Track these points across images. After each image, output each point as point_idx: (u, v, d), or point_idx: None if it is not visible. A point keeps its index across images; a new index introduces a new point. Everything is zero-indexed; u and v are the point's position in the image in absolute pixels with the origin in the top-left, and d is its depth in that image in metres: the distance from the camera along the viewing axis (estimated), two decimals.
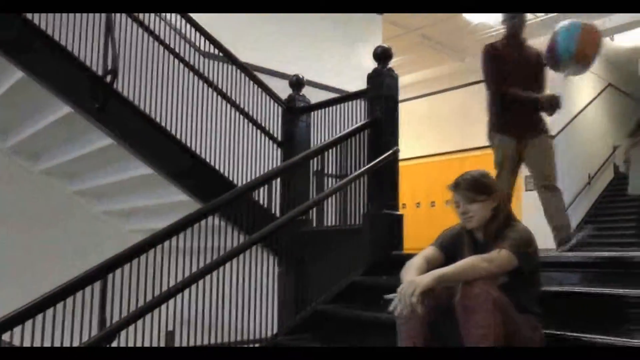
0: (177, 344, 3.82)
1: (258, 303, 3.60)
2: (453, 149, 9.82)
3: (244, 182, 4.46)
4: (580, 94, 9.36)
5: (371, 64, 4.29)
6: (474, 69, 9.81)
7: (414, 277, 2.26)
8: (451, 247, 2.60)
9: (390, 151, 4.01)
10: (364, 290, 3.66)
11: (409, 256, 2.59)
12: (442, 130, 10.24)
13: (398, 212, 4.02)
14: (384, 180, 3.99)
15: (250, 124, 4.80)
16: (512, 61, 3.99)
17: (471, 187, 2.53)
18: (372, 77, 4.18)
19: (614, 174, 9.84)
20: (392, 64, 4.22)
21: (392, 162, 4.03)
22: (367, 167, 3.96)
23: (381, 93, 4.09)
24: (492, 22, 8.63)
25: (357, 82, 4.95)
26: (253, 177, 4.45)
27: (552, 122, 8.75)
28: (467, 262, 2.30)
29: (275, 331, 3.70)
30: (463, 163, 8.37)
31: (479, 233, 2.55)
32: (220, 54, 4.74)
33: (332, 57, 6.87)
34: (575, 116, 8.95)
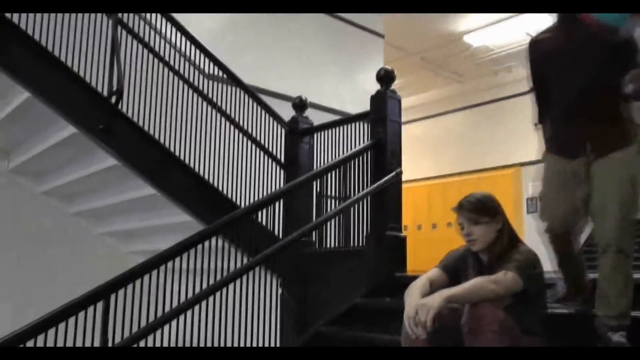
0: None
1: (260, 325, 3.57)
2: (454, 172, 9.85)
3: (247, 203, 4.45)
4: None
5: (372, 87, 4.32)
6: (473, 92, 9.97)
7: (423, 300, 2.25)
8: (456, 269, 2.60)
9: (394, 173, 4.03)
10: (367, 312, 3.65)
11: (413, 278, 2.58)
12: (443, 152, 10.27)
13: (401, 234, 4.02)
14: (387, 201, 4.00)
15: (254, 146, 4.81)
16: (557, 51, 2.79)
17: (475, 208, 2.54)
18: (375, 99, 4.20)
19: None
20: (392, 86, 4.25)
21: (396, 184, 4.04)
22: (370, 188, 3.97)
23: (384, 115, 4.11)
24: (491, 45, 8.73)
25: (358, 105, 4.98)
26: (256, 199, 4.46)
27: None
28: (475, 283, 2.31)
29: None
30: (464, 185, 8.38)
31: (483, 255, 2.55)
32: (224, 76, 4.77)
33: (334, 79, 6.92)
34: None
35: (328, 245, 4.21)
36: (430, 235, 9.37)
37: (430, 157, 10.32)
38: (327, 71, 6.90)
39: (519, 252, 2.47)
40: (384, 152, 4.06)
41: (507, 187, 8.96)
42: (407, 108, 9.09)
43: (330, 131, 4.67)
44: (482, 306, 2.22)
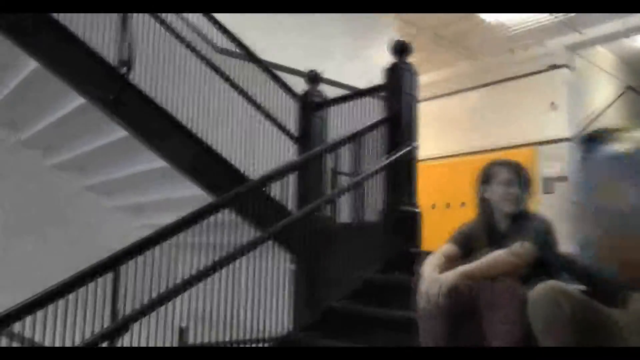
0: (190, 341, 3.76)
1: (271, 299, 3.54)
2: (468, 150, 9.72)
3: (259, 177, 4.39)
4: (597, 96, 9.25)
5: (383, 62, 4.21)
6: (488, 69, 9.80)
7: (438, 275, 2.20)
8: (468, 242, 2.55)
9: (409, 147, 3.95)
10: (380, 287, 3.59)
11: (427, 253, 2.54)
12: (457, 131, 10.13)
13: (416, 209, 3.94)
14: (402, 176, 3.92)
15: (266, 119, 4.73)
16: None
17: (528, 175, 2.57)
18: (390, 72, 4.10)
19: None
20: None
21: (411, 158, 3.96)
22: (385, 162, 3.89)
23: (399, 87, 4.01)
24: (507, 22, 8.56)
25: (368, 80, 4.87)
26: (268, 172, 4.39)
27: (567, 125, 8.82)
28: (493, 258, 2.25)
29: (288, 328, 3.63)
30: (479, 164, 8.25)
31: (500, 224, 2.49)
32: (236, 49, 4.68)
33: (344, 54, 6.80)
34: (593, 120, 8.83)
35: (341, 220, 4.15)
36: (444, 214, 9.28)
37: (445, 136, 10.18)
38: (337, 45, 6.78)
39: (535, 220, 2.45)
40: (399, 125, 3.98)
41: None
42: (420, 85, 8.95)
43: (343, 105, 4.58)
44: (501, 281, 2.17)
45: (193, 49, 4.44)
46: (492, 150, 9.35)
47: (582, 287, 2.25)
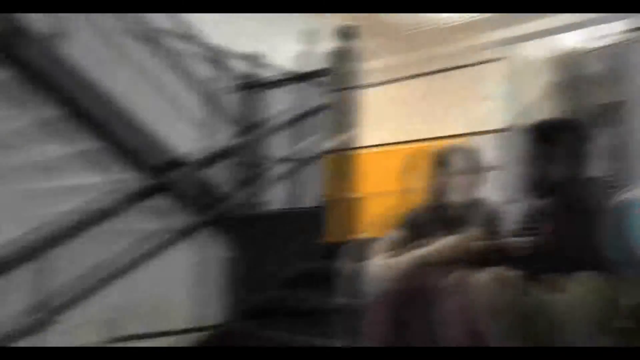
0: (120, 333, 3.60)
1: (206, 288, 3.44)
2: (406, 139, 9.78)
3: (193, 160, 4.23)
4: (530, 90, 9.48)
5: (325, 48, 4.14)
6: (424, 60, 9.87)
7: (388, 260, 2.17)
8: (417, 228, 2.50)
9: (349, 133, 3.90)
10: (318, 275, 3.53)
11: (368, 241, 2.53)
12: (393, 120, 10.20)
13: (355, 196, 3.90)
14: (342, 163, 3.87)
15: (202, 100, 4.56)
16: None
17: (481, 161, 2.54)
18: (332, 56, 4.04)
19: None
20: None
21: (351, 145, 3.92)
22: (321, 148, 3.84)
23: (341, 73, 3.96)
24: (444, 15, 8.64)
25: (311, 64, 4.79)
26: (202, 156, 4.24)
27: (501, 116, 9.04)
28: (444, 243, 2.24)
29: (223, 317, 3.54)
30: (412, 153, 8.31)
31: (451, 210, 2.47)
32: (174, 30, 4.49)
33: (284, 38, 6.67)
34: (526, 112, 9.05)
35: (276, 207, 4.07)
36: (387, 202, 9.32)
37: (388, 124, 10.21)
38: (280, 29, 6.65)
39: (484, 205, 2.46)
40: (340, 111, 3.92)
41: None
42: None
43: (283, 89, 4.48)
44: (449, 268, 2.15)
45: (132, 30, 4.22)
46: (427, 139, 9.45)
47: (526, 274, 2.27)
